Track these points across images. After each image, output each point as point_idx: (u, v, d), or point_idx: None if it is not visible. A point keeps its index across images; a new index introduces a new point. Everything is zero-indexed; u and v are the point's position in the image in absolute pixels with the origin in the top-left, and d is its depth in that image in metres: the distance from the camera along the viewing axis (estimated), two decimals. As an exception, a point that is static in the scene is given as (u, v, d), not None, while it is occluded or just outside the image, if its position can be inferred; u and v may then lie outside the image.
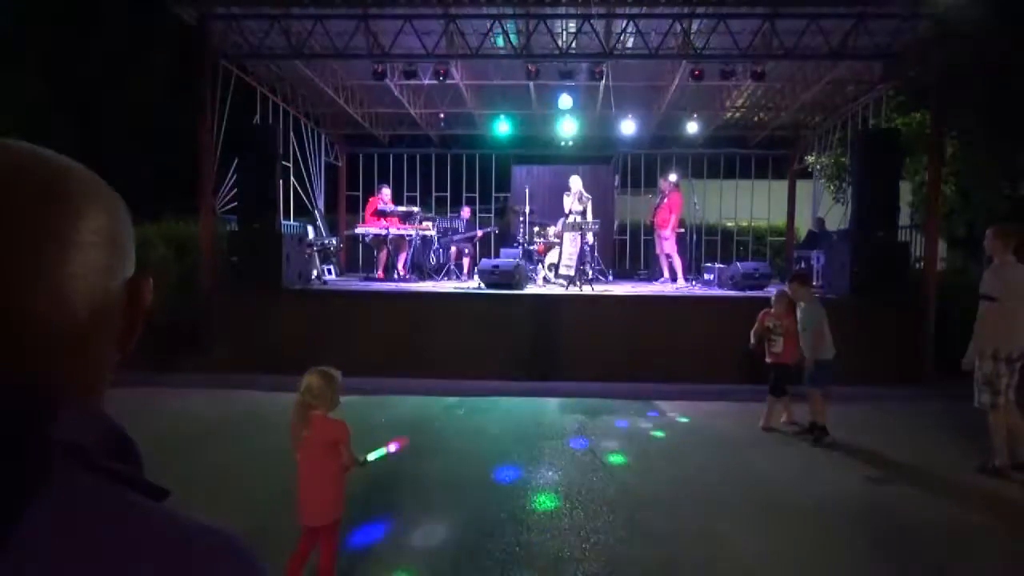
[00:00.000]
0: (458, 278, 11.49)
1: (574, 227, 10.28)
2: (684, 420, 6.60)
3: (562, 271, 10.47)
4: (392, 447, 3.11)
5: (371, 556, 3.61)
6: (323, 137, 14.03)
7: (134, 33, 14.57)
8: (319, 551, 3.01)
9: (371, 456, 3.05)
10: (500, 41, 9.50)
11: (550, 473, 4.91)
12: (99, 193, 0.59)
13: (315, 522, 2.98)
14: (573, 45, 9.46)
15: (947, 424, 6.41)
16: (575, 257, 10.08)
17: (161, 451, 4.86)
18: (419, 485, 4.58)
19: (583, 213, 10.86)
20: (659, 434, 6.10)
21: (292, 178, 12.05)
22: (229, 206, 9.69)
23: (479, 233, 12.70)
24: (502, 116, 13.46)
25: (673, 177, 11.38)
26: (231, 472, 4.84)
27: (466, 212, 13.03)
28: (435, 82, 10.04)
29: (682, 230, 11.20)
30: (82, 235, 0.56)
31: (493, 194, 15.54)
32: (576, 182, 11.17)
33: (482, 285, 9.44)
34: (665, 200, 10.93)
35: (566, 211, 10.98)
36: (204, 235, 9.09)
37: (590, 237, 10.32)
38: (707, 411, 6.97)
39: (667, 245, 10.96)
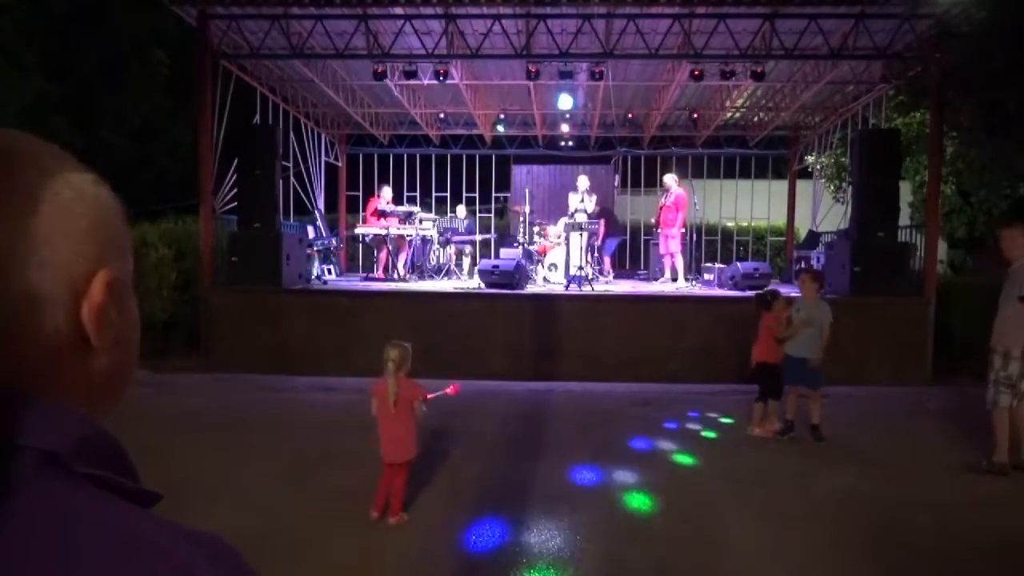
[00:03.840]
0: (458, 278, 11.50)
1: (575, 227, 10.27)
2: (702, 427, 6.59)
3: (561, 271, 10.44)
4: (449, 390, 3.99)
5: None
6: (323, 137, 14.03)
7: (134, 33, 14.58)
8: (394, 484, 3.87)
9: (430, 396, 3.93)
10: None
11: (548, 473, 4.91)
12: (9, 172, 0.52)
13: (397, 459, 3.86)
14: (573, 45, 9.46)
15: (947, 424, 6.40)
16: (578, 256, 10.08)
17: (160, 451, 4.86)
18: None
19: (587, 212, 10.86)
20: (654, 433, 6.10)
21: (292, 178, 12.05)
22: (229, 206, 9.69)
23: (477, 238, 12.68)
24: (502, 116, 13.48)
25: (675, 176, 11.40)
26: (231, 472, 4.83)
27: (460, 211, 12.99)
28: (435, 82, 10.04)
29: (683, 230, 11.22)
30: None
31: (493, 194, 15.55)
32: (583, 181, 11.24)
33: (482, 285, 9.44)
34: (672, 199, 10.94)
35: (571, 210, 10.96)
36: (204, 235, 9.08)
37: (588, 236, 10.30)
38: (706, 411, 6.96)
39: (673, 244, 10.94)
